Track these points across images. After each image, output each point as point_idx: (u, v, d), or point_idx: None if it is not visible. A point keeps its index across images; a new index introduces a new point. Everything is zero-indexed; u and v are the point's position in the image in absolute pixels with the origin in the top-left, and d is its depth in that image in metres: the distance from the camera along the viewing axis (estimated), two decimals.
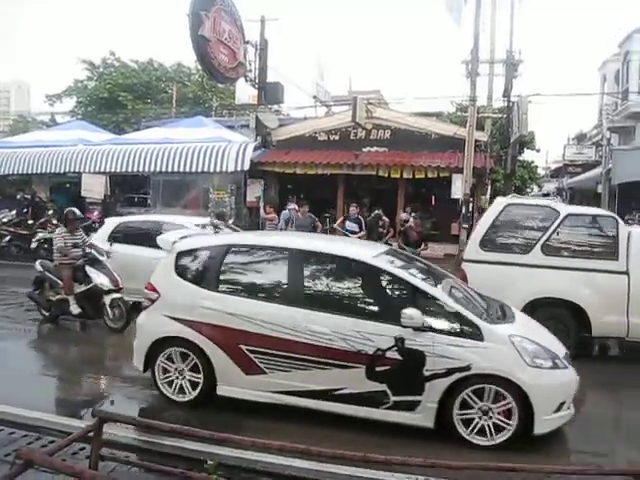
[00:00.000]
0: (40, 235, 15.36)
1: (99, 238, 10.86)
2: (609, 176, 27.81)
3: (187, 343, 5.83)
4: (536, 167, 27.47)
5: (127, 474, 4.33)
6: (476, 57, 18.14)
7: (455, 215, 17.30)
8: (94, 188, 19.19)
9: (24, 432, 5.02)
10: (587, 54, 77.70)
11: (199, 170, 18.83)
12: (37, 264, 9.50)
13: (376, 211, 14.63)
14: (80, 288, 9.06)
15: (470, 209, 16.82)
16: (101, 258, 9.20)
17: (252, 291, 5.88)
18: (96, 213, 18.54)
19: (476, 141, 17.64)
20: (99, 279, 8.94)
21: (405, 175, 18.05)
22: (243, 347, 5.59)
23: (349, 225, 13.81)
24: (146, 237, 10.23)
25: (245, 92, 23.40)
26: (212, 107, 33.81)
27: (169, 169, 19.07)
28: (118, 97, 34.35)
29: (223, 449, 4.57)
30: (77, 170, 19.74)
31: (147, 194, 21.38)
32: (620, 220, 8.41)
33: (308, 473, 4.44)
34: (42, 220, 16.95)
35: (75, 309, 8.99)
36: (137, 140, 21.03)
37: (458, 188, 16.65)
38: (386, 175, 18.17)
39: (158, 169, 19.20)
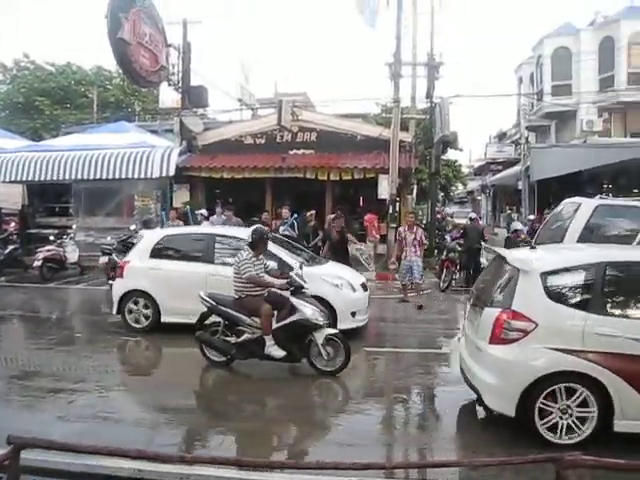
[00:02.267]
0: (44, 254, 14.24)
1: (138, 254, 10.06)
2: (528, 173, 28.90)
3: (578, 376, 5.13)
4: (460, 166, 28.34)
5: None
6: (398, 59, 18.52)
7: (382, 215, 17.56)
8: (9, 198, 18.32)
9: None
10: (506, 56, 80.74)
11: (123, 176, 18.33)
12: (204, 297, 7.64)
13: (308, 213, 14.66)
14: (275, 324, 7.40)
15: (397, 209, 17.12)
16: (305, 285, 7.67)
17: None
18: (13, 224, 17.73)
19: (401, 142, 17.97)
20: (309, 312, 7.31)
21: (332, 177, 18.14)
22: None
23: (283, 230, 13.74)
24: (197, 251, 9.85)
25: (169, 96, 22.95)
26: (135, 111, 33.01)
27: (91, 176, 18.46)
28: (34, 102, 33.00)
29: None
30: None
31: (69, 203, 20.57)
32: None
33: None
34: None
35: (276, 350, 7.26)
36: (56, 147, 20.21)
37: (384, 188, 16.91)
38: (313, 177, 18.22)
39: (80, 176, 18.54)
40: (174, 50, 19.34)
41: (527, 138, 32.44)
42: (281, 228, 13.82)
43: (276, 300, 7.44)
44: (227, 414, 6.40)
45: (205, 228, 12.19)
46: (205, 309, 7.67)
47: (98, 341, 9.37)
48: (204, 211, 15.13)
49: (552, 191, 29.66)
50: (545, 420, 5.14)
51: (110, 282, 12.88)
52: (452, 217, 26.29)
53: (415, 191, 20.41)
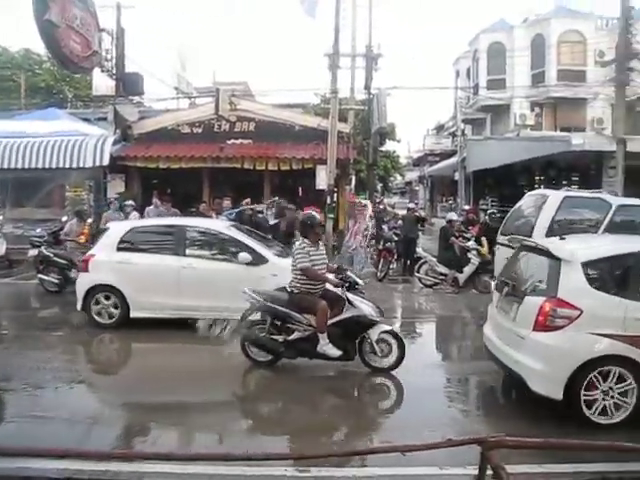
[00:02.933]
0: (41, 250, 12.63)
1: (104, 247, 9.70)
2: (464, 164, 29.64)
3: (620, 360, 5.43)
4: (398, 157, 28.75)
5: None
6: (337, 51, 18.53)
7: (321, 206, 17.58)
8: None
9: None
10: (444, 49, 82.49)
11: (53, 166, 17.55)
12: (251, 294, 7.29)
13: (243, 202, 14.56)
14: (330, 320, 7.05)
15: (335, 199, 17.20)
16: (359, 281, 7.49)
17: None
18: None
19: (339, 132, 18.03)
20: (366, 308, 7.11)
21: (270, 167, 18.04)
22: None
23: (222, 219, 13.56)
24: (168, 243, 9.60)
25: (103, 83, 22.21)
26: (67, 98, 31.81)
27: (19, 165, 17.60)
28: None
29: None
30: None
31: None
32: None
33: None
34: None
35: (331, 349, 6.94)
36: None
37: (322, 179, 16.96)
38: (252, 167, 18.06)
39: (6, 166, 17.66)
40: (107, 35, 18.68)
41: (463, 130, 33.23)
42: (221, 218, 13.63)
43: (331, 296, 7.11)
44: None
45: (176, 219, 11.79)
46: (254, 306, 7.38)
47: (26, 338, 9.00)
48: (131, 202, 14.67)
49: (487, 182, 30.54)
50: (589, 403, 5.45)
51: (40, 276, 12.46)
52: (394, 207, 26.67)
53: (354, 182, 20.52)
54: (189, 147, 18.61)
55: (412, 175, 47.68)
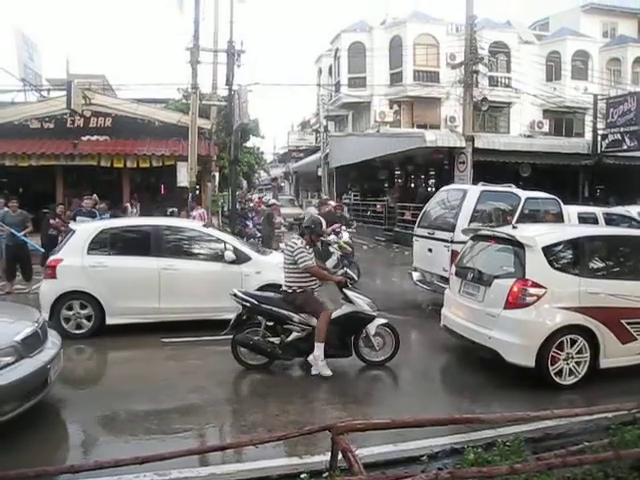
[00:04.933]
0: None
1: (72, 250, 8.78)
2: (327, 160, 30.50)
3: (578, 328, 6.34)
4: (263, 153, 28.87)
5: None
6: (197, 44, 18.19)
7: (184, 203, 17.28)
8: None
9: None
10: (309, 47, 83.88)
11: None
12: (242, 295, 6.92)
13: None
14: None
15: (197, 196, 16.98)
16: (355, 277, 7.51)
17: (619, 273, 7.01)
18: None
19: (200, 129, 17.78)
20: (364, 304, 7.09)
21: (129, 164, 17.36)
22: (623, 321, 6.45)
23: (83, 220, 12.87)
24: (144, 244, 8.95)
25: None
26: None
27: None
28: None
29: None
30: None
31: None
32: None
33: None
34: None
35: (324, 367, 6.77)
36: None
37: (184, 176, 16.62)
38: (109, 165, 17.30)
39: None
40: None
41: (326, 127, 34.06)
42: (79, 218, 12.95)
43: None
44: None
45: (151, 219, 10.98)
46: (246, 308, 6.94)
47: None
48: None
49: (350, 177, 31.63)
50: (553, 367, 6.30)
51: None
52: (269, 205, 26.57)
53: (217, 178, 20.35)
54: (39, 143, 17.46)
55: (277, 171, 48.10)
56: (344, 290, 7.09)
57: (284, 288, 7.02)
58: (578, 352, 6.39)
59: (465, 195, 10.46)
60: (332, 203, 17.97)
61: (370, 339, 7.14)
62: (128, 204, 15.95)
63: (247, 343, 6.95)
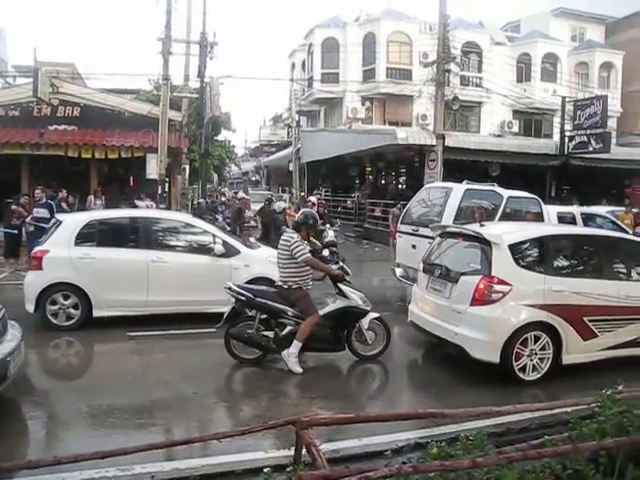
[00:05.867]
0: None
1: (58, 242, 8.55)
2: (299, 155, 30.44)
3: (541, 325, 6.44)
4: (234, 147, 28.66)
5: None
6: (169, 35, 17.96)
7: (153, 195, 17.09)
8: None
9: None
10: (282, 41, 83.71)
11: None
12: (236, 289, 6.84)
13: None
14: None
15: (166, 189, 16.79)
16: (349, 271, 7.43)
17: (583, 272, 7.16)
18: None
19: (171, 120, 17.60)
20: (358, 299, 7.06)
21: (97, 155, 17.13)
22: (585, 319, 6.58)
23: (37, 211, 12.63)
24: (133, 236, 8.88)
25: None
26: None
27: None
28: None
29: None
30: None
31: None
32: None
33: None
34: None
35: (295, 365, 6.73)
36: None
37: (153, 168, 16.45)
38: (76, 155, 17.02)
39: None
40: None
41: (298, 122, 33.99)
42: (35, 210, 12.71)
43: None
44: None
45: (139, 211, 10.97)
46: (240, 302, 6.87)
47: None
48: None
49: (321, 173, 31.65)
50: (517, 362, 6.40)
51: None
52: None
53: (188, 171, 20.16)
54: (4, 132, 17.11)
55: (248, 165, 47.84)
56: (339, 285, 7.10)
57: (279, 283, 6.98)
58: (542, 348, 6.48)
59: (450, 193, 10.65)
60: (313, 199, 17.91)
61: (363, 333, 7.18)
62: (92, 196, 15.69)
63: (241, 336, 6.91)
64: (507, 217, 10.34)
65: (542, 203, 11.00)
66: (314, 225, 7.18)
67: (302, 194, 24.38)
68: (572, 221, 11.79)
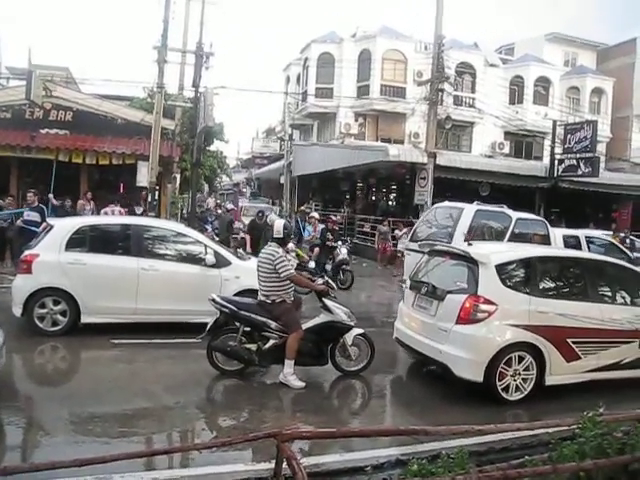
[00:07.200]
0: None
1: (49, 246, 8.45)
2: (290, 168, 30.49)
3: (526, 345, 6.46)
4: (226, 157, 28.65)
5: None
6: (165, 44, 18.02)
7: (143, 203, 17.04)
8: None
9: None
10: (278, 54, 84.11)
11: None
12: (220, 301, 6.85)
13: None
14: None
15: (157, 197, 16.75)
16: (334, 286, 7.54)
17: (568, 294, 7.22)
18: None
19: (164, 129, 17.56)
20: (343, 314, 7.06)
21: (88, 160, 17.01)
22: (569, 340, 6.62)
23: (28, 215, 12.54)
24: (124, 243, 8.84)
25: None
26: None
27: None
28: None
29: None
30: None
31: None
32: None
33: None
34: None
35: (295, 381, 6.69)
36: None
37: (144, 176, 16.39)
38: (67, 160, 16.91)
39: None
40: None
41: (291, 135, 34.07)
42: (26, 213, 12.62)
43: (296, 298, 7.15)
44: None
45: (132, 218, 10.92)
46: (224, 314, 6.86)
47: None
48: None
49: (312, 186, 31.71)
50: (501, 383, 6.41)
51: None
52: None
53: (178, 180, 20.11)
54: None
55: (240, 177, 47.86)
56: (323, 299, 7.10)
57: (262, 298, 6.94)
58: (525, 369, 6.50)
59: (462, 212, 10.79)
60: (316, 215, 17.79)
61: (347, 348, 7.16)
62: (82, 201, 15.58)
63: (224, 349, 6.86)
64: (515, 238, 10.50)
65: (549, 225, 11.14)
66: (289, 234, 7.30)
67: (302, 208, 24.31)
68: (577, 244, 11.93)
